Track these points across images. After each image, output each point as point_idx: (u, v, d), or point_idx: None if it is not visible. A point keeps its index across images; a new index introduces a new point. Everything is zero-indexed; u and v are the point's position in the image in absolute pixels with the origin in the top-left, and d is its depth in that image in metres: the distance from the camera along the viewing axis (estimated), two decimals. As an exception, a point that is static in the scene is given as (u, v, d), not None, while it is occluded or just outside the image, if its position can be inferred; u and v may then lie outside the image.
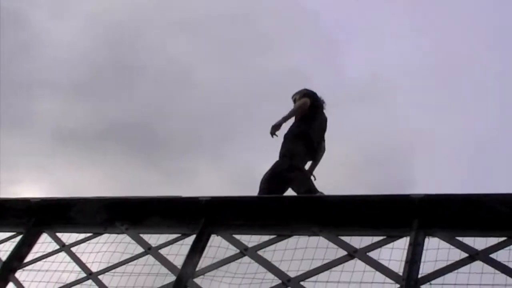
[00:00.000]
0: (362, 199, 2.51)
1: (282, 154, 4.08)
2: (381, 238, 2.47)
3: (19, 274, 3.28)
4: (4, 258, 3.31)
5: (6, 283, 3.23)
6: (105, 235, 3.16)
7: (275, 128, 4.17)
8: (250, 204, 2.78)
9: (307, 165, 4.17)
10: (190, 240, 2.86)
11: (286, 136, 4.24)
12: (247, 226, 2.74)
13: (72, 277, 3.16)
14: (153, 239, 2.99)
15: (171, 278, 2.86)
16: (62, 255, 3.24)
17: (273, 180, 3.79)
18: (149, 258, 2.97)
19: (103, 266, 3.07)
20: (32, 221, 3.32)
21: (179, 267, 2.81)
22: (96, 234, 3.16)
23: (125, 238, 3.09)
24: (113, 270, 3.02)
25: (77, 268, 3.15)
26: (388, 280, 2.40)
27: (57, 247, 3.24)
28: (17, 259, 3.28)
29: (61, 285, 3.14)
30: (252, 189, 3.27)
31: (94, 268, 3.09)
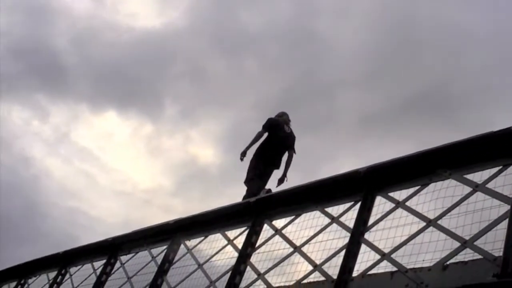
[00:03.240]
0: None
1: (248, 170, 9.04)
2: None
3: (367, 236, 5.22)
4: (351, 225, 5.33)
5: (359, 246, 5.19)
6: (432, 185, 4.79)
7: (242, 154, 8.91)
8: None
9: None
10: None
11: (253, 155, 9.11)
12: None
13: (414, 228, 4.88)
14: (477, 176, 4.44)
15: (505, 208, 4.23)
16: (399, 211, 5.03)
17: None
18: (478, 195, 4.43)
19: (438, 212, 4.67)
20: (365, 188, 5.26)
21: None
22: (424, 186, 4.83)
23: (450, 182, 4.64)
24: (448, 214, 4.59)
25: (415, 219, 4.86)
26: None
27: (392, 205, 5.04)
28: (362, 224, 5.23)
29: (406, 237, 4.89)
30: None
31: (430, 216, 4.73)
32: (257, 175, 8.88)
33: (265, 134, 9.17)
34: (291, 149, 9.21)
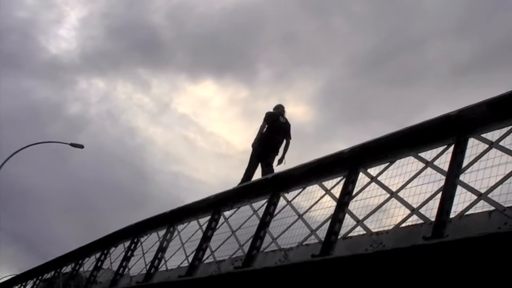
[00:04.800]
0: None
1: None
2: None
3: (462, 178, 5.40)
4: (445, 168, 5.54)
5: (455, 188, 5.40)
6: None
7: (253, 145, 11.20)
8: None
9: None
10: None
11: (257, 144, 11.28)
12: None
13: (509, 168, 5.02)
14: None
15: None
16: (493, 152, 5.18)
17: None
18: None
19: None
20: (457, 131, 5.45)
21: None
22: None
23: None
24: None
25: (510, 159, 5.00)
26: None
27: (486, 146, 5.19)
28: (457, 166, 5.43)
29: (501, 177, 5.04)
30: None
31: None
32: (254, 159, 11.32)
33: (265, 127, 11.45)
34: (287, 135, 11.57)
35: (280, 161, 11.38)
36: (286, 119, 11.70)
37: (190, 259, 8.88)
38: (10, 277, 22.70)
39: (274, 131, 11.39)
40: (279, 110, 11.80)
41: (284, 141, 11.53)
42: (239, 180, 10.99)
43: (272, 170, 10.91)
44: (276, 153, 11.42)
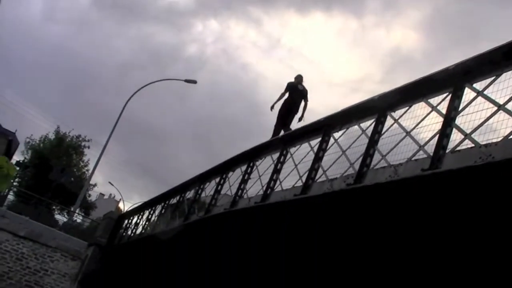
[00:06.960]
0: None
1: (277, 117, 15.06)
2: None
3: None
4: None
5: None
6: None
7: (271, 107, 14.93)
8: None
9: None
10: None
11: (280, 108, 15.07)
12: None
13: None
14: None
15: None
16: None
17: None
18: None
19: None
20: None
21: None
22: None
23: None
24: None
25: None
26: None
27: None
28: None
29: None
30: None
31: None
32: (280, 121, 14.76)
33: (287, 94, 14.91)
34: (305, 99, 14.96)
35: (300, 119, 14.70)
36: (303, 86, 15.08)
37: (304, 179, 9.40)
38: (140, 203, 24.77)
39: (294, 97, 14.89)
40: (298, 80, 15.14)
41: (303, 103, 14.92)
42: (347, 105, 11.54)
43: (289, 127, 14.51)
44: (296, 112, 14.89)
